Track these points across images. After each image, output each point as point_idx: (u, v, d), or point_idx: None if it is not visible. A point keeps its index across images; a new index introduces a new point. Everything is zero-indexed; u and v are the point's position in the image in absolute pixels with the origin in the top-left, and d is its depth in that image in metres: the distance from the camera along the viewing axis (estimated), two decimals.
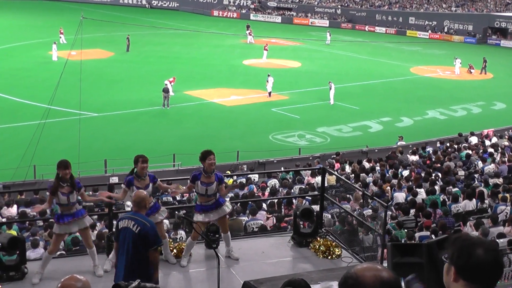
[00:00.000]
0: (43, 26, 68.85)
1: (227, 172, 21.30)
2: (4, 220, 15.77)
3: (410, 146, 27.45)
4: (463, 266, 3.19)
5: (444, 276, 3.33)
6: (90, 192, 19.20)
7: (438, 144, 27.48)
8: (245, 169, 24.28)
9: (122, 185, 10.05)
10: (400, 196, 17.57)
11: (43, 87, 36.79)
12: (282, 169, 23.26)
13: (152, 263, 7.98)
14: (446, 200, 16.85)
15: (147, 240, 7.88)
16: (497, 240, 11.87)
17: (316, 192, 16.15)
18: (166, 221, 15.53)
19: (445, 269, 3.31)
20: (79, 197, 9.90)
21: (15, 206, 17.34)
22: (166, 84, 37.57)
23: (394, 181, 19.11)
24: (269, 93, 39.82)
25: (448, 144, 26.49)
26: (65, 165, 9.50)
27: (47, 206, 10.16)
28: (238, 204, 16.11)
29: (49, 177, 21.61)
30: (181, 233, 14.16)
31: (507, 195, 16.40)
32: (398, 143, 28.29)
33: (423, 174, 20.01)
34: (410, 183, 18.87)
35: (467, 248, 3.20)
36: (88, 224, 9.99)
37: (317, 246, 10.92)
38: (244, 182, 20.29)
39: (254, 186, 19.87)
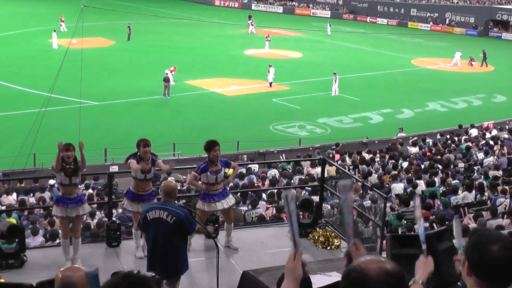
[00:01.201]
0: (44, 14, 68.68)
1: None
2: (3, 208, 15.79)
3: (410, 137, 27.44)
4: (476, 263, 3.14)
5: (459, 266, 3.31)
6: (92, 181, 19.27)
7: (438, 136, 27.49)
8: (245, 159, 24.28)
9: (128, 160, 10.09)
10: (398, 187, 17.58)
11: (44, 75, 36.68)
12: (282, 158, 23.28)
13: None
14: (446, 192, 16.86)
15: (184, 228, 8.00)
16: None
17: (316, 183, 16.17)
18: None
19: (462, 261, 3.28)
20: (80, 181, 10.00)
21: (14, 194, 17.36)
22: (166, 74, 37.52)
23: (394, 172, 19.14)
24: (270, 84, 39.76)
25: (448, 136, 26.49)
26: (67, 147, 9.62)
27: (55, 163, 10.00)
28: (238, 194, 16.12)
29: (49, 166, 21.57)
30: None
31: (507, 187, 16.40)
32: (398, 135, 28.28)
33: (423, 166, 20.03)
34: (410, 174, 18.89)
35: (481, 245, 3.15)
36: (87, 211, 10.02)
37: (316, 237, 10.94)
38: (244, 172, 20.30)
39: (253, 176, 19.89)
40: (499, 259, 3.09)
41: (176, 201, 15.95)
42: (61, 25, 55.86)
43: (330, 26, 66.82)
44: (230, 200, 10.38)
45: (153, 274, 6.93)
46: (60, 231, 10.14)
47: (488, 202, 16.00)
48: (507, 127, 28.67)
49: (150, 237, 8.17)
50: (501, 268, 3.10)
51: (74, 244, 9.91)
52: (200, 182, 10.34)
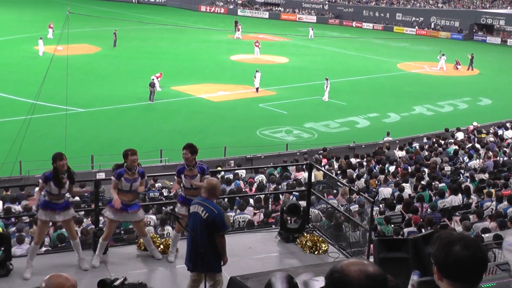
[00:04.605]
0: (30, 21, 68.37)
1: (218, 168, 21.28)
2: None
3: (397, 142, 27.52)
4: (442, 264, 3.19)
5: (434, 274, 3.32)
6: (78, 188, 19.15)
7: (425, 140, 27.59)
8: (233, 164, 24.27)
9: (112, 177, 10.01)
10: (386, 191, 17.62)
11: (29, 82, 36.53)
12: (270, 164, 23.28)
13: (219, 248, 8.29)
14: (432, 195, 16.92)
15: (214, 226, 8.13)
16: (482, 235, 11.94)
17: (303, 188, 16.17)
18: (153, 217, 15.53)
19: (434, 268, 3.31)
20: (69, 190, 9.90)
21: (0, 202, 17.24)
22: (152, 79, 37.48)
23: (381, 177, 19.18)
24: (257, 89, 39.79)
25: (434, 140, 26.61)
26: (61, 157, 9.51)
27: (38, 195, 10.08)
28: (226, 200, 16.10)
29: (35, 173, 21.51)
30: (168, 228, 14.14)
31: (493, 190, 16.48)
32: (385, 139, 28.34)
33: (410, 169, 20.09)
34: (397, 178, 18.93)
35: (444, 246, 3.20)
36: (71, 216, 9.95)
37: (304, 242, 10.94)
38: (232, 177, 20.28)
39: (241, 181, 19.86)
40: (462, 258, 3.14)
41: (163, 208, 15.94)
42: (49, 32, 55.51)
43: (312, 30, 67.15)
44: None
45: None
46: (36, 236, 10.02)
47: (473, 205, 16.06)
48: (491, 130, 28.84)
49: (190, 230, 8.43)
50: (466, 267, 3.15)
51: (75, 246, 9.92)
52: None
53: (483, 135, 27.55)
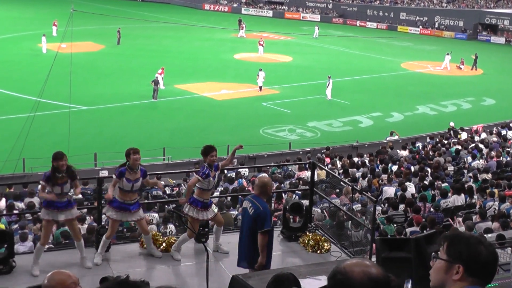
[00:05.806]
0: (33, 18, 68.45)
1: None
2: None
3: (400, 141, 27.49)
4: (475, 264, 3.19)
5: (439, 274, 3.28)
6: (82, 186, 19.18)
7: (428, 139, 27.56)
8: (235, 163, 24.24)
9: (113, 175, 10.00)
10: (390, 191, 17.60)
11: (33, 80, 36.57)
12: (273, 163, 23.28)
13: (259, 245, 8.48)
14: (436, 195, 16.91)
15: (257, 222, 8.43)
16: (485, 235, 11.93)
17: (306, 187, 16.16)
18: (156, 215, 15.55)
19: (442, 268, 3.27)
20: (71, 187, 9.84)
21: (3, 199, 17.25)
22: (156, 77, 37.47)
23: (384, 176, 19.16)
24: (260, 87, 39.77)
25: (437, 140, 26.59)
26: (61, 156, 9.49)
27: (53, 195, 9.97)
28: (228, 198, 16.10)
29: (38, 170, 21.53)
30: (171, 227, 14.15)
31: (495, 190, 16.46)
32: (388, 138, 28.31)
33: (412, 169, 20.07)
34: (400, 178, 18.91)
35: (475, 246, 3.21)
36: (75, 216, 9.93)
37: (306, 241, 10.93)
38: (234, 176, 20.28)
39: (243, 180, 19.86)
40: (491, 257, 3.21)
41: (166, 206, 15.93)
42: (53, 29, 55.50)
43: (318, 29, 67.07)
44: (214, 209, 10.51)
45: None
46: (42, 236, 9.98)
47: (477, 205, 16.04)
48: (495, 130, 28.81)
49: (240, 225, 8.86)
50: (492, 266, 3.23)
51: (78, 247, 9.90)
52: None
53: (459, 136, 27.47)
